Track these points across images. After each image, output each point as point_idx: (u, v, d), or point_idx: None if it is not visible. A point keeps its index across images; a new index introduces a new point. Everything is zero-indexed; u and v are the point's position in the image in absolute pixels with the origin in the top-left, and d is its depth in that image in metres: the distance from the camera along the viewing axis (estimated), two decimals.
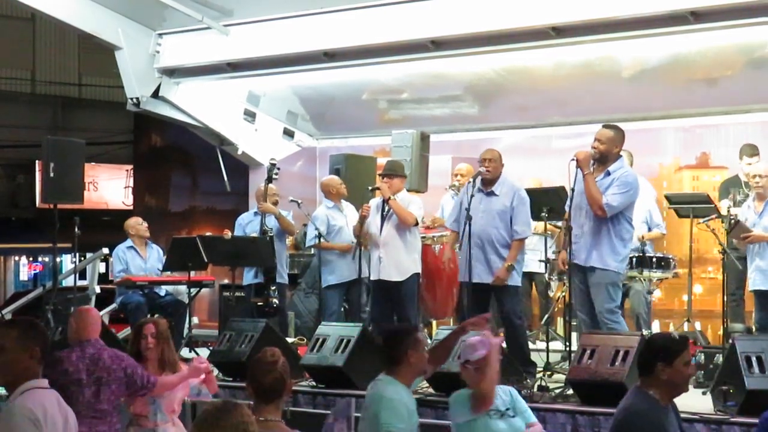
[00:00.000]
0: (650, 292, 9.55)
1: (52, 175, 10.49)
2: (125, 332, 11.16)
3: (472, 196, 8.40)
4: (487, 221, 8.41)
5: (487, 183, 8.49)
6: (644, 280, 9.17)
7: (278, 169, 10.39)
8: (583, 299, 7.98)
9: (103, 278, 15.78)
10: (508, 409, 5.51)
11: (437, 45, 10.81)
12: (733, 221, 8.79)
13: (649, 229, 9.63)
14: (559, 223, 9.58)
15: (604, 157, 7.93)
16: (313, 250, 10.64)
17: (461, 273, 8.56)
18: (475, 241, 8.36)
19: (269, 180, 10.28)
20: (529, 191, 8.85)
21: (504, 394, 5.57)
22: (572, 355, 7.99)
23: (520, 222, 8.44)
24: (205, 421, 3.45)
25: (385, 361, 5.42)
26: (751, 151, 9.72)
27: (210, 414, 3.47)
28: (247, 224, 10.48)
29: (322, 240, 9.90)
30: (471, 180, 8.61)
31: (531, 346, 9.17)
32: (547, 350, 8.57)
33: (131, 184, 21.04)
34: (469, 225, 8.29)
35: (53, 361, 5.92)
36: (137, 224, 11.01)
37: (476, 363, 5.38)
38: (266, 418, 4.27)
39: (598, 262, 7.83)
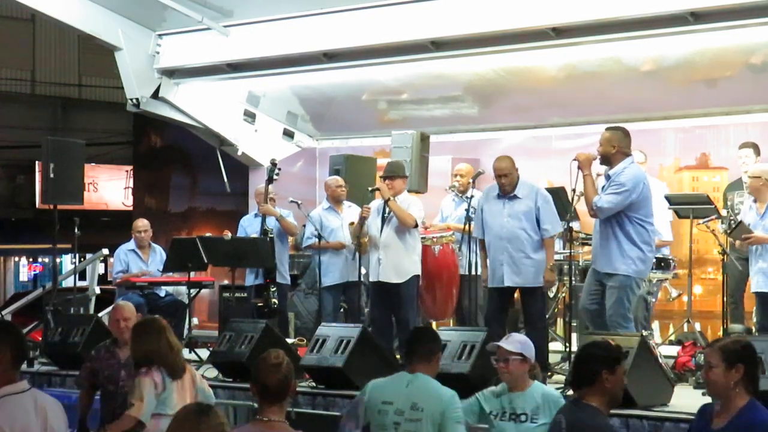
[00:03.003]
0: (650, 293, 9.55)
1: (52, 175, 10.50)
2: None
3: (472, 196, 8.43)
4: (514, 224, 8.40)
5: (508, 189, 8.50)
6: (645, 281, 9.15)
7: (279, 169, 10.39)
8: (592, 299, 7.96)
9: (103, 279, 15.78)
10: (523, 414, 5.53)
11: (437, 45, 10.81)
12: (734, 222, 8.78)
13: None
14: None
15: (605, 159, 7.88)
16: (311, 251, 10.64)
17: (489, 278, 8.53)
18: (504, 245, 8.38)
19: (270, 180, 10.28)
20: None
21: (537, 397, 5.58)
22: (572, 355, 7.99)
23: (548, 220, 8.42)
24: (183, 423, 3.46)
25: (415, 358, 5.51)
26: (743, 145, 9.78)
27: (188, 417, 3.49)
28: (248, 226, 10.50)
29: (315, 240, 9.92)
30: (471, 180, 8.61)
31: None
32: (547, 351, 8.57)
33: (131, 184, 21.02)
34: (470, 225, 8.31)
35: None
36: (135, 230, 11.04)
37: None
38: (270, 418, 4.31)
39: (608, 266, 7.80)
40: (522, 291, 8.46)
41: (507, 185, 8.42)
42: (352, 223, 9.68)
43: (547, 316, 9.05)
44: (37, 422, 4.06)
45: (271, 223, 10.25)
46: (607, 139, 7.87)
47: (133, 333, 6.22)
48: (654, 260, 9.07)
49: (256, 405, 4.47)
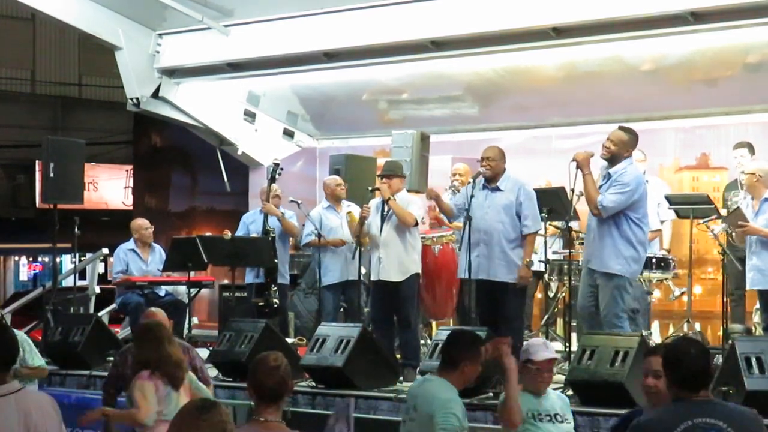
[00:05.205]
0: (649, 293, 9.54)
1: (52, 175, 10.52)
2: (125, 332, 11.19)
3: (472, 196, 8.39)
4: (492, 216, 8.34)
5: (491, 179, 8.45)
6: (644, 281, 9.16)
7: (281, 169, 10.40)
8: (587, 300, 7.96)
9: (103, 278, 15.77)
10: (556, 414, 5.63)
11: (437, 45, 10.81)
12: (732, 207, 8.78)
13: None
14: (559, 223, 9.58)
15: (613, 159, 7.85)
16: (311, 250, 10.66)
17: (461, 270, 8.51)
18: (481, 237, 8.32)
19: (272, 180, 10.29)
20: None
21: (556, 399, 5.73)
22: (572, 355, 7.99)
23: (529, 216, 8.36)
24: (184, 419, 3.46)
25: (441, 362, 5.53)
26: (737, 145, 9.78)
27: (190, 413, 3.49)
28: (252, 223, 10.53)
29: (314, 238, 9.93)
30: (471, 180, 8.58)
31: None
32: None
33: (131, 184, 21.04)
34: (470, 225, 8.29)
35: None
36: (141, 228, 10.93)
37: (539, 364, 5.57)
38: (267, 418, 4.31)
39: (602, 265, 7.78)
40: (495, 287, 8.33)
41: (488, 170, 8.36)
42: (350, 213, 9.68)
43: (523, 314, 8.95)
44: (17, 428, 3.99)
45: (274, 223, 10.26)
46: (624, 142, 7.82)
47: (135, 337, 6.25)
48: (654, 261, 9.12)
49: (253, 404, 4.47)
